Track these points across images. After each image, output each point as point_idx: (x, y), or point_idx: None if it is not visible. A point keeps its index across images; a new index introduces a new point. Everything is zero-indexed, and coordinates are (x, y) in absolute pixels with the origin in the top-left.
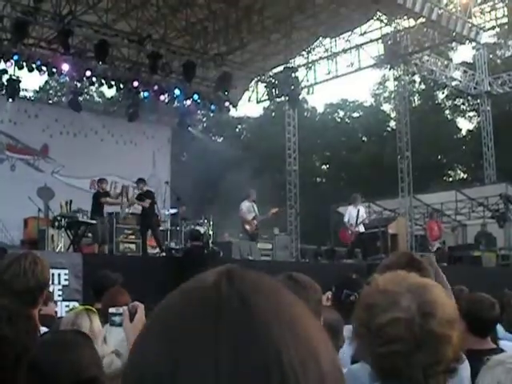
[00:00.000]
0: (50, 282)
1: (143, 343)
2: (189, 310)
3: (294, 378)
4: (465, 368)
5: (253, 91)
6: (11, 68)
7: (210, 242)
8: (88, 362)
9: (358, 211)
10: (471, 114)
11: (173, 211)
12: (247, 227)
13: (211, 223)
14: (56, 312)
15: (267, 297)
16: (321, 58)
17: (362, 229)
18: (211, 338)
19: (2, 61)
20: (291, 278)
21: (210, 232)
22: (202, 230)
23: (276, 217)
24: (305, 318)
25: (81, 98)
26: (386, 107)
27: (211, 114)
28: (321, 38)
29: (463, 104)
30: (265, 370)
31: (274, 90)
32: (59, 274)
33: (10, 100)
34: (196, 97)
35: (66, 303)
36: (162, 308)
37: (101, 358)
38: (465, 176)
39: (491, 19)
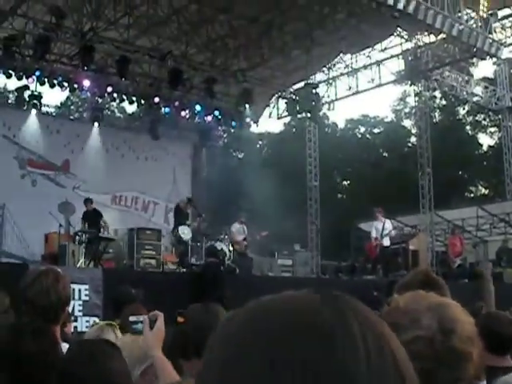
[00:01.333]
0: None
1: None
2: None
3: None
4: None
5: (273, 107)
6: (33, 84)
7: (227, 258)
8: (118, 371)
9: (384, 224)
10: (492, 129)
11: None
12: (237, 247)
13: (230, 241)
14: (76, 327)
15: (374, 328)
16: (341, 74)
17: (386, 242)
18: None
19: (24, 77)
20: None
21: (230, 248)
22: (219, 246)
23: (265, 240)
24: (400, 349)
25: (102, 114)
26: (407, 123)
27: (232, 130)
28: (341, 54)
29: (484, 120)
30: None
31: (294, 106)
32: (79, 290)
33: (32, 115)
34: (217, 113)
35: (87, 318)
36: (261, 329)
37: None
38: (486, 192)
39: None
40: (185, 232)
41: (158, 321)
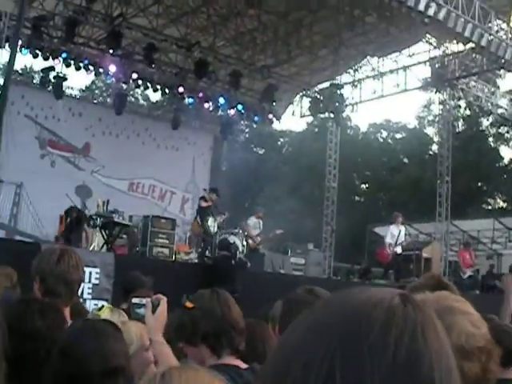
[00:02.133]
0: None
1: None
2: (369, 315)
3: None
4: None
5: (297, 105)
6: (59, 65)
7: (239, 252)
8: (117, 351)
9: (400, 231)
10: None
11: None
12: (250, 241)
13: (246, 234)
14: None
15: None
16: (367, 77)
17: (399, 250)
18: (393, 345)
19: (51, 58)
20: (311, 292)
21: (244, 242)
22: (232, 239)
23: (279, 238)
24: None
25: (126, 100)
26: (430, 130)
27: (254, 125)
28: (368, 57)
29: (507, 132)
30: None
31: (318, 106)
32: (90, 273)
33: (57, 97)
34: (240, 107)
35: (95, 302)
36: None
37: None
38: (504, 205)
39: None
40: (212, 224)
41: (160, 305)
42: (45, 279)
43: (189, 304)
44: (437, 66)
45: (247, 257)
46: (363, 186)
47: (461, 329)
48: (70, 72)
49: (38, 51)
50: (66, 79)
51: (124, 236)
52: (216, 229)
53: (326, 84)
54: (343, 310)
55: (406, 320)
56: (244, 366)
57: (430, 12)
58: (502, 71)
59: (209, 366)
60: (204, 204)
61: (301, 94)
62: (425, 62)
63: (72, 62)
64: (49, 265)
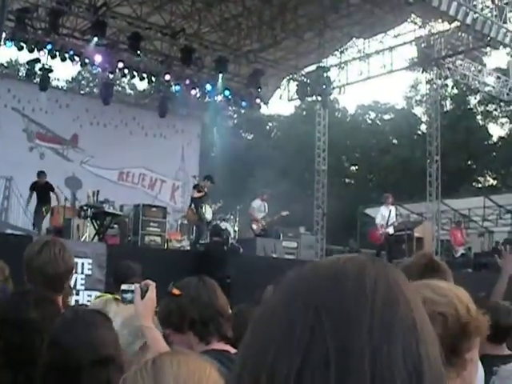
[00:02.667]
0: (74, 271)
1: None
2: (343, 272)
3: (427, 368)
4: (479, 373)
5: (284, 89)
6: (44, 57)
7: (231, 238)
8: (106, 341)
9: (390, 212)
10: (503, 120)
11: None
12: (254, 226)
13: (237, 219)
14: (77, 301)
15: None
16: (353, 59)
17: (391, 230)
18: (370, 292)
19: (36, 49)
20: None
21: (236, 228)
22: (224, 225)
23: (284, 219)
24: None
25: (112, 90)
26: (418, 110)
27: (242, 111)
28: (354, 39)
29: (495, 110)
30: (407, 355)
31: (305, 89)
32: (83, 264)
33: (42, 89)
34: (227, 93)
35: (88, 292)
36: (303, 279)
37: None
38: (494, 183)
39: None
40: (208, 211)
41: (149, 290)
42: (27, 271)
43: (175, 291)
44: (423, 45)
45: (239, 242)
46: (353, 168)
47: (424, 297)
48: (56, 63)
49: (22, 43)
50: (51, 71)
51: (115, 226)
52: (211, 216)
53: (313, 67)
54: (315, 271)
55: (377, 272)
56: (234, 350)
57: None
58: (488, 49)
59: (198, 352)
60: (197, 195)
61: (288, 77)
62: (410, 42)
63: (57, 53)
64: (29, 257)
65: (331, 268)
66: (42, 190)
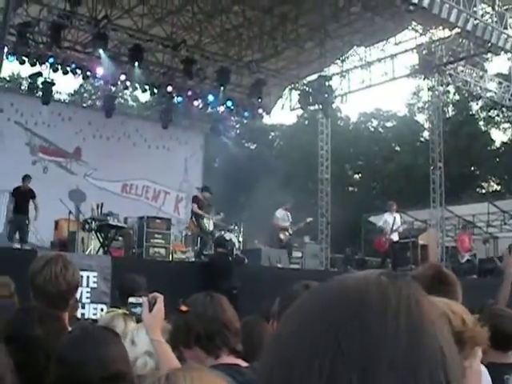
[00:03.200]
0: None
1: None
2: (364, 297)
3: None
4: (485, 381)
5: (286, 99)
6: (46, 71)
7: (236, 248)
8: (116, 357)
9: (394, 219)
10: (506, 125)
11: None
12: (281, 236)
13: (241, 230)
14: (83, 314)
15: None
16: (355, 67)
17: (395, 237)
18: (392, 317)
19: (38, 63)
20: (308, 288)
21: (240, 239)
22: (228, 236)
23: (310, 226)
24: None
25: (115, 102)
26: (420, 117)
27: (244, 121)
28: (355, 47)
29: (498, 115)
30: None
31: (307, 98)
32: (88, 277)
33: (44, 102)
34: (229, 103)
35: (94, 305)
36: (319, 299)
37: (133, 358)
38: (498, 188)
39: None
40: (208, 222)
41: (157, 303)
42: (31, 288)
43: (183, 308)
44: (424, 52)
45: (244, 252)
46: (356, 176)
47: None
48: (58, 77)
49: (24, 57)
50: (54, 84)
51: (120, 238)
52: (212, 227)
53: (314, 76)
54: (332, 300)
55: (399, 297)
56: (244, 364)
57: None
58: (489, 55)
59: (208, 366)
60: (196, 209)
61: (289, 87)
62: (412, 50)
63: (59, 66)
64: (32, 274)
65: (349, 299)
66: (23, 196)
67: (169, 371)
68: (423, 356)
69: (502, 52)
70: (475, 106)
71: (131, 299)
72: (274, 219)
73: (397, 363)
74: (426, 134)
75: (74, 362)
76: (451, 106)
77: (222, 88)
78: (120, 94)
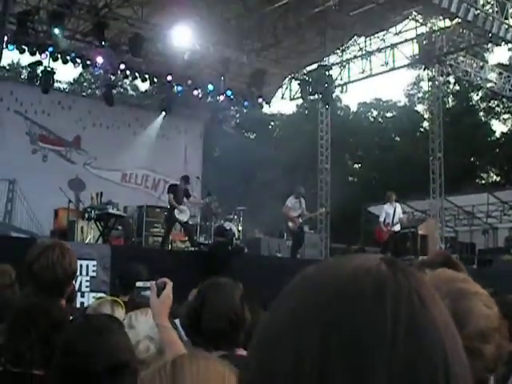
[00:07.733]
0: (78, 273)
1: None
2: (358, 290)
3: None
4: None
5: (286, 88)
6: (46, 60)
7: (236, 238)
8: (121, 346)
9: (395, 209)
10: (506, 116)
11: None
12: (290, 224)
13: (241, 219)
14: (82, 303)
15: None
16: (355, 57)
17: (397, 228)
18: (390, 318)
19: (37, 52)
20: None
21: (240, 228)
22: (228, 226)
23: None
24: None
25: (114, 91)
26: (420, 108)
27: (244, 111)
28: (355, 37)
29: (498, 106)
30: (433, 364)
31: (307, 88)
32: (87, 265)
33: (44, 91)
34: (229, 92)
35: (93, 294)
36: (318, 285)
37: (135, 342)
38: (497, 179)
39: None
40: (181, 213)
41: (166, 288)
42: (26, 274)
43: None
44: (424, 42)
45: (243, 242)
46: (356, 166)
47: (478, 313)
48: (58, 65)
49: (24, 46)
50: (54, 73)
51: (119, 227)
52: (186, 217)
53: (315, 66)
54: (327, 286)
55: (399, 289)
56: None
57: None
58: (489, 45)
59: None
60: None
61: (289, 76)
62: (412, 40)
63: (59, 55)
64: (29, 261)
65: (346, 287)
66: None
67: (175, 356)
68: (423, 368)
69: (503, 42)
70: (475, 97)
71: (138, 283)
72: (284, 207)
73: (393, 373)
74: (425, 124)
75: (80, 351)
76: (451, 96)
77: (222, 78)
78: (120, 83)
